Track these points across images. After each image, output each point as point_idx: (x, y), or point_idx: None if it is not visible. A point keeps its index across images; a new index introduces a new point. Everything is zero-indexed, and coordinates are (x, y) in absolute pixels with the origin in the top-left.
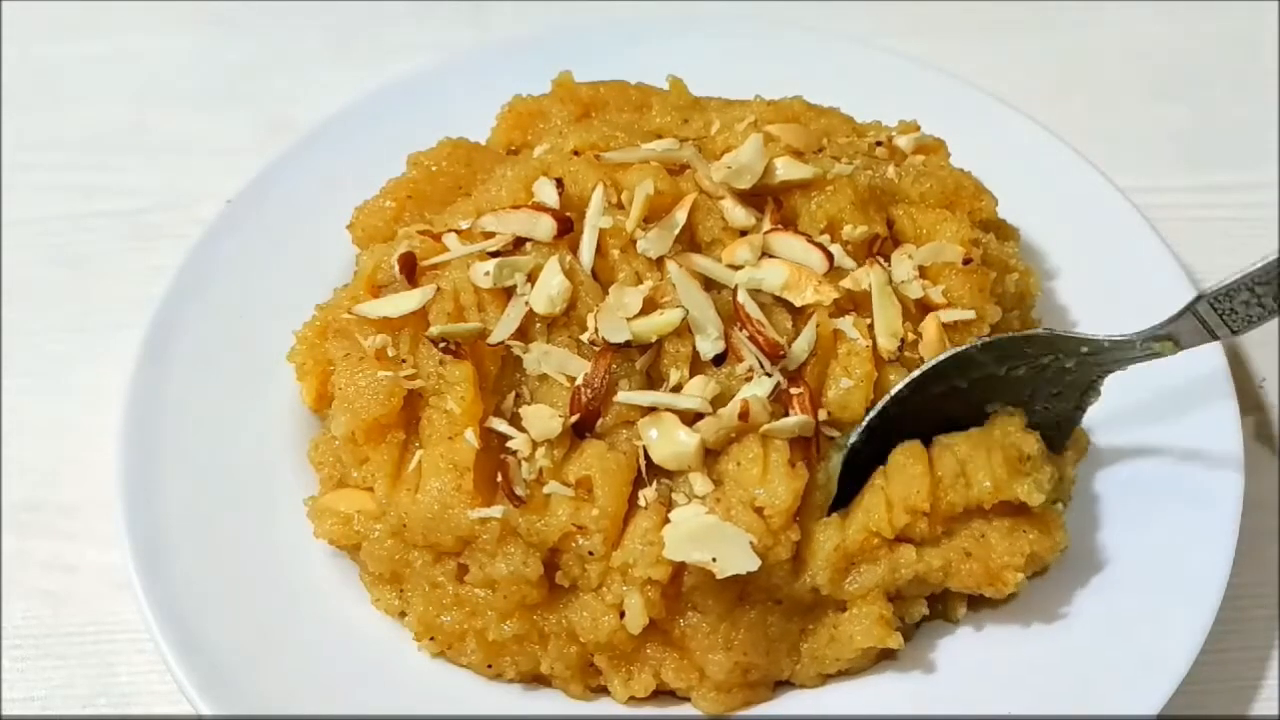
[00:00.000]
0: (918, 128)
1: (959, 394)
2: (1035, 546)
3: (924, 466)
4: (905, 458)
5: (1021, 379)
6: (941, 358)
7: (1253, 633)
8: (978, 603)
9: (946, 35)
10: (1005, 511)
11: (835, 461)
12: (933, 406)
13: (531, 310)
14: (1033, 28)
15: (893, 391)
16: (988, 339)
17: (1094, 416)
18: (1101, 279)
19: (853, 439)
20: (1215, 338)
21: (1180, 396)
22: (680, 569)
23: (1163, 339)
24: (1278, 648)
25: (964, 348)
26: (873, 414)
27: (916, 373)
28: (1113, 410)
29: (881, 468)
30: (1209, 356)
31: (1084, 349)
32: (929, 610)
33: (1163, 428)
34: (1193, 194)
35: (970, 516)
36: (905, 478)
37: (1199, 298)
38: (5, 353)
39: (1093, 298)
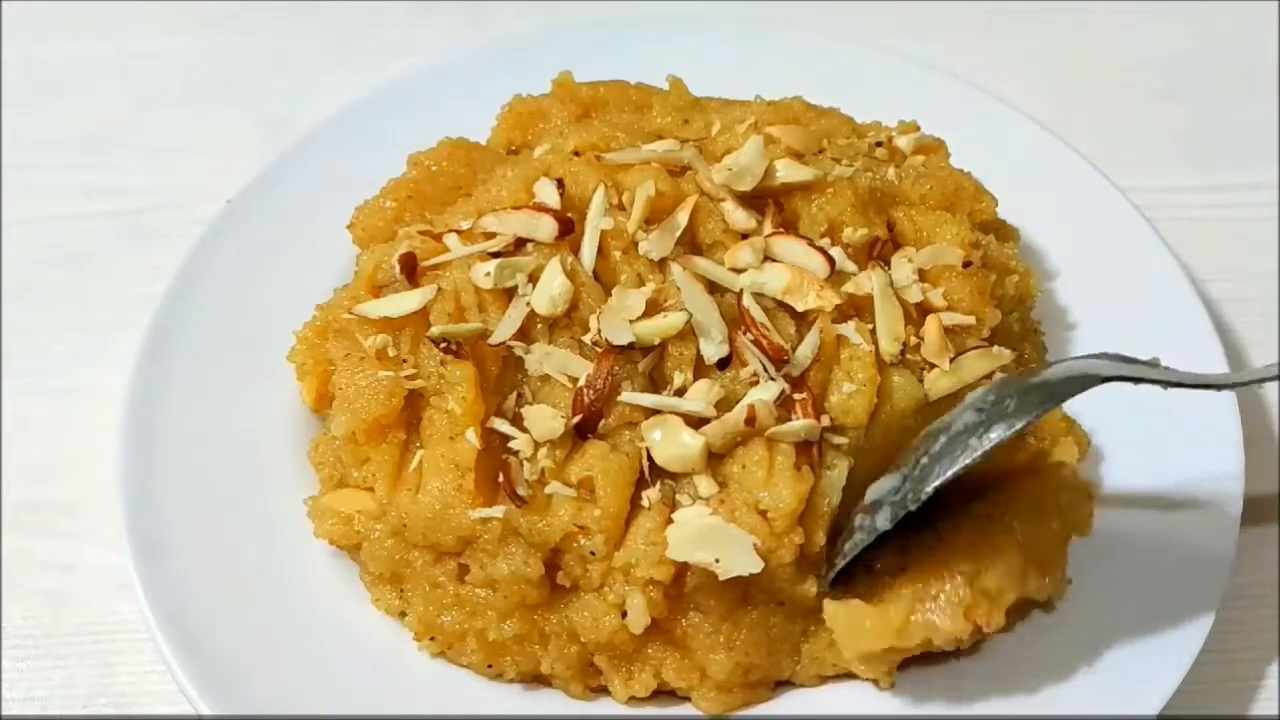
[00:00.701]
0: (918, 128)
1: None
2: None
3: (1013, 597)
4: (996, 579)
5: None
6: (982, 451)
7: (1253, 633)
8: None
9: (947, 35)
10: None
11: (840, 471)
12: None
13: (533, 311)
14: (1033, 28)
15: (929, 488)
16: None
17: (1094, 417)
18: (1101, 279)
19: (883, 526)
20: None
21: (1180, 396)
22: (683, 569)
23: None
24: (1278, 648)
25: (1001, 438)
26: (914, 504)
27: (950, 472)
28: (1112, 410)
29: (959, 566)
30: (1209, 357)
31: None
32: None
33: (1162, 428)
34: (1193, 194)
35: None
36: (989, 605)
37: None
38: (5, 353)
39: (1093, 298)
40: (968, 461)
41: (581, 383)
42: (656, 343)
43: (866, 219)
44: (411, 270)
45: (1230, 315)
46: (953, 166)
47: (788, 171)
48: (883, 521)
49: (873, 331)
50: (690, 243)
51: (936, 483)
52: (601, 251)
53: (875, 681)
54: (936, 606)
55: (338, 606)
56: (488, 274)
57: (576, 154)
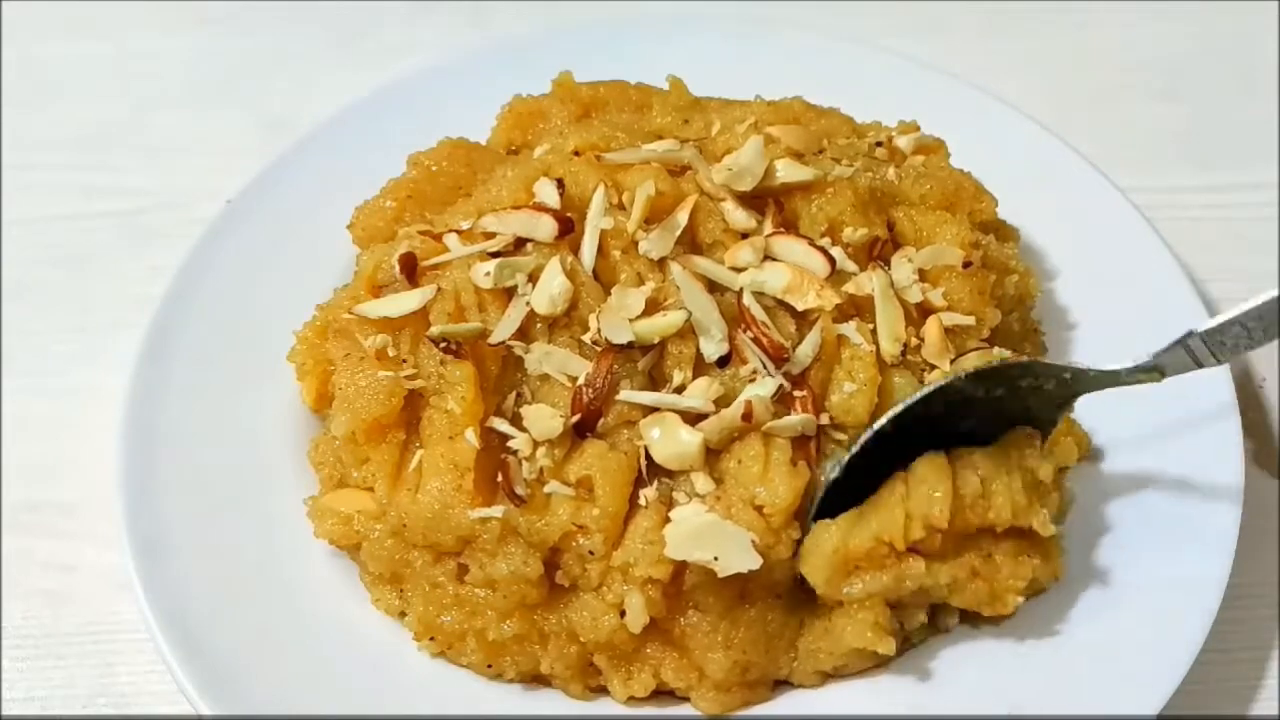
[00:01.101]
0: (918, 128)
1: (935, 418)
2: (1037, 572)
3: (950, 484)
4: (930, 471)
5: (1001, 399)
6: (928, 391)
7: (1253, 633)
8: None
9: (947, 35)
10: (1012, 533)
11: (827, 469)
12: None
13: (533, 310)
14: (1033, 28)
15: (875, 426)
16: (975, 371)
17: (1094, 416)
18: (1101, 279)
19: (833, 474)
20: (1201, 366)
21: (1181, 397)
22: (681, 568)
23: (1150, 370)
24: (1278, 648)
25: (950, 380)
26: (854, 450)
27: (899, 407)
28: (1112, 410)
29: (901, 473)
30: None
31: (1066, 375)
32: (926, 619)
33: (1164, 428)
34: (1193, 194)
35: (980, 535)
36: (928, 491)
37: (1190, 333)
38: (5, 353)
39: (1093, 298)
40: (901, 407)
41: (581, 382)
42: (656, 341)
43: (866, 219)
44: (411, 270)
45: None
46: (953, 166)
47: (788, 171)
48: (833, 473)
49: (873, 331)
50: (690, 242)
51: (876, 426)
52: (601, 251)
53: (874, 653)
54: (880, 513)
55: (338, 606)
56: (488, 274)
57: (576, 154)
